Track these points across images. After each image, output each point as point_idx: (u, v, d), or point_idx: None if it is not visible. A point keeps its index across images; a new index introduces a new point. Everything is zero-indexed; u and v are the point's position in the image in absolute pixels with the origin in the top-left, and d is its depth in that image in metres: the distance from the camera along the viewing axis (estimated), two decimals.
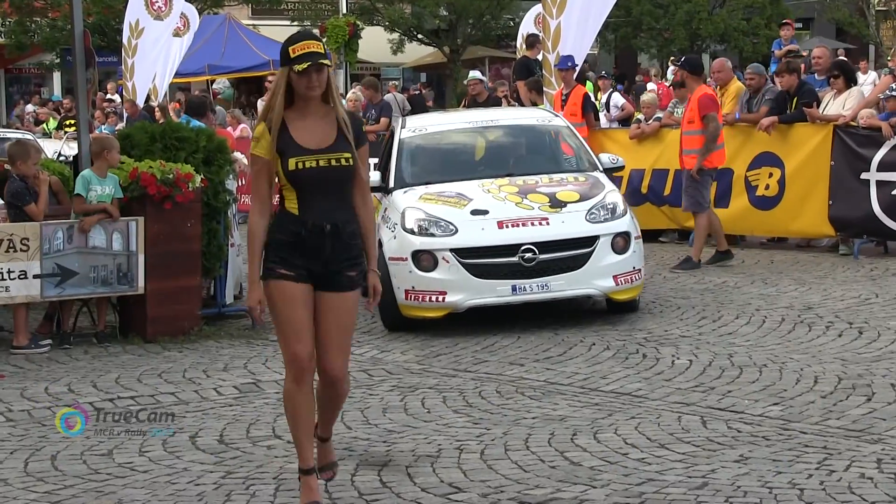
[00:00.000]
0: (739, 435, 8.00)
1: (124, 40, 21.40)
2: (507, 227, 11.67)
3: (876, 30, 46.06)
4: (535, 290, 11.53)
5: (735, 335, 11.19)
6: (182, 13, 21.37)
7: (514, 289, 11.51)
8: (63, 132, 25.15)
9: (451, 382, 9.72)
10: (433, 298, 11.55)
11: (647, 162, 17.50)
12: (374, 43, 41.98)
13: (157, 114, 21.81)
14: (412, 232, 11.75)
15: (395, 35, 44.36)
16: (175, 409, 9.31)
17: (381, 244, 11.41)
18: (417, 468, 7.58)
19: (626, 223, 12.00)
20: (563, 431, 8.23)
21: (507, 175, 12.85)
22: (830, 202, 15.70)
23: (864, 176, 15.39)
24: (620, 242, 11.82)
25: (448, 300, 11.52)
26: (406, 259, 11.61)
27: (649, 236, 17.45)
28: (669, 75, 27.85)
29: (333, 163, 6.75)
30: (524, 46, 22.22)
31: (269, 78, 28.69)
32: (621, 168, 13.74)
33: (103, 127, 24.47)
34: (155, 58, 20.75)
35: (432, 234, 11.69)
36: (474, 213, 11.86)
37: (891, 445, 7.72)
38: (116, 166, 11.71)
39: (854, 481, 7.05)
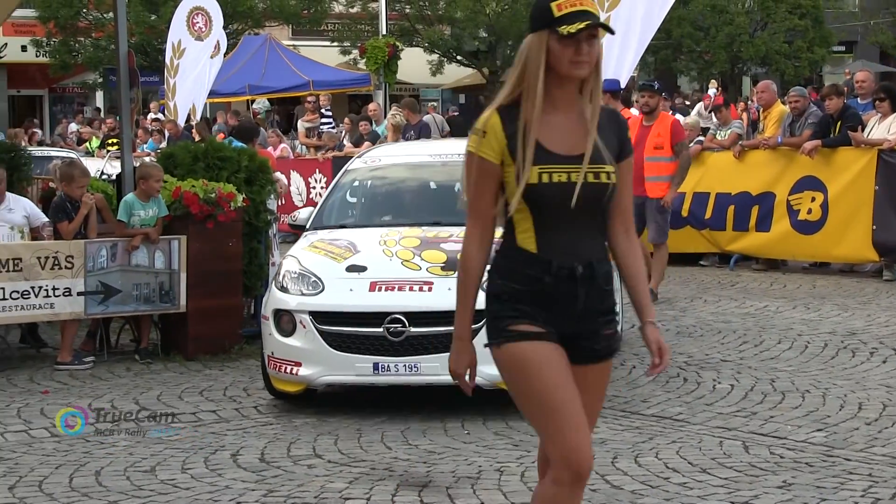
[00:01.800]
0: (782, 461, 7.96)
1: (167, 60, 21.48)
2: (379, 289, 9.59)
3: None
4: (401, 371, 9.34)
5: (777, 360, 11.16)
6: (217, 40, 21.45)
7: (376, 367, 9.34)
8: (105, 151, 25.30)
9: (491, 404, 9.74)
10: (288, 370, 9.58)
11: (687, 185, 17.43)
12: (414, 64, 42.03)
13: (194, 133, 21.91)
14: (280, 286, 9.86)
15: (435, 56, 44.43)
16: (216, 426, 9.37)
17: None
18: (458, 489, 7.57)
19: None
20: (604, 455, 8.21)
21: (432, 224, 10.64)
22: (874, 227, 15.66)
23: None
24: None
25: (301, 374, 9.50)
26: (268, 318, 9.77)
27: (690, 260, 17.49)
28: (711, 94, 27.76)
29: (591, 178, 4.91)
30: None
31: (309, 98, 28.79)
32: None
33: (145, 146, 24.64)
34: (196, 77, 20.84)
35: (298, 292, 9.73)
36: (350, 269, 9.85)
37: None
38: (155, 195, 11.80)
39: None
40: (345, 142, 24.02)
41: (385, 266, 9.86)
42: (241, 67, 31.95)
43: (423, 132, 22.37)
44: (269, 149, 22.19)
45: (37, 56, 43.02)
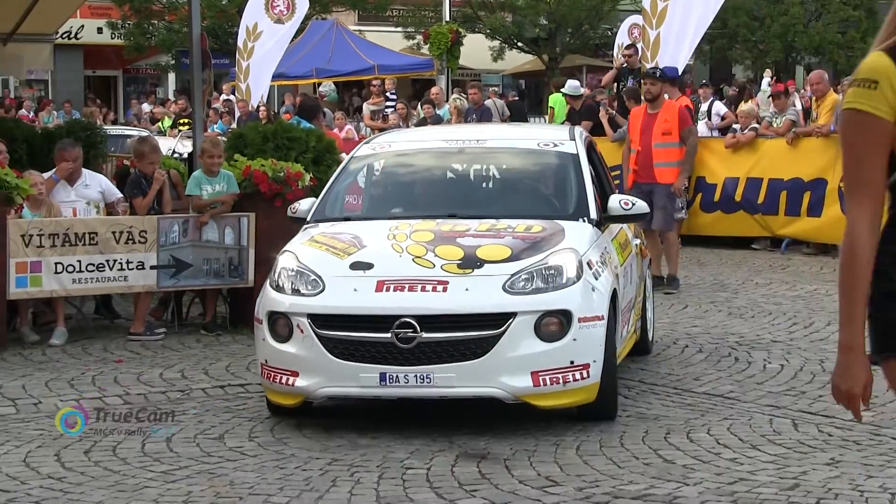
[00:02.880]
0: (830, 438, 7.96)
1: (239, 43, 21.58)
2: (387, 289, 8.11)
3: None
4: (411, 381, 7.88)
5: (826, 341, 11.11)
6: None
7: (383, 378, 7.89)
8: (177, 130, 25.45)
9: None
10: (283, 380, 8.20)
11: (741, 170, 17.45)
12: (476, 50, 42.03)
13: (262, 113, 21.99)
14: (275, 286, 8.44)
15: (496, 42, 44.35)
16: None
17: None
18: (515, 461, 7.60)
19: (567, 297, 8.06)
20: (657, 430, 8.22)
21: (447, 216, 9.22)
22: None
23: None
24: (551, 325, 7.95)
25: (298, 384, 8.12)
26: (262, 322, 8.39)
27: (742, 243, 17.43)
28: (765, 86, 27.60)
29: None
30: (622, 55, 22.11)
31: (374, 82, 28.83)
32: (639, 216, 9.77)
33: (214, 126, 24.75)
34: (273, 60, 20.94)
35: (296, 291, 8.30)
36: (355, 266, 8.37)
37: None
38: (215, 170, 11.92)
39: None
40: (406, 124, 24.06)
41: (394, 263, 8.39)
42: (308, 51, 31.97)
43: (484, 116, 22.37)
44: (336, 130, 22.24)
45: (112, 38, 43.15)
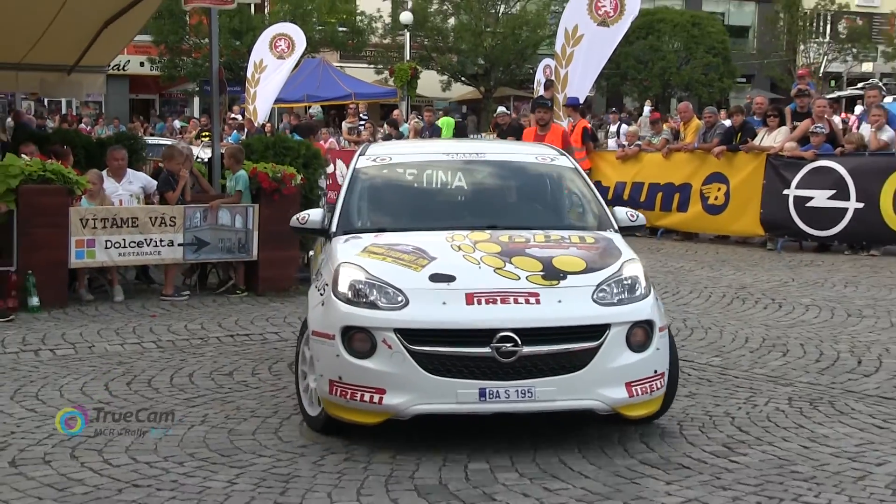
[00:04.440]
0: (689, 378, 8.01)
1: (248, 74, 21.53)
2: (478, 302, 6.21)
3: None
4: (512, 396, 6.04)
5: (688, 305, 11.20)
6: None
7: (482, 394, 6.01)
8: (200, 141, 25.32)
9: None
10: (366, 398, 6.14)
11: (628, 176, 17.62)
12: (429, 82, 42.05)
13: (267, 127, 21.98)
14: (346, 299, 6.35)
15: (445, 77, 44.40)
16: (278, 344, 9.42)
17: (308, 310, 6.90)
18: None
19: (648, 308, 6.43)
20: None
21: (489, 227, 7.20)
22: (762, 210, 15.71)
23: (785, 192, 15.39)
24: (639, 336, 6.31)
25: (387, 402, 6.09)
26: (333, 337, 6.28)
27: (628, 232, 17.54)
28: (646, 113, 27.74)
29: None
30: (542, 88, 22.22)
31: (351, 105, 28.85)
32: (641, 227, 8.02)
33: (229, 137, 24.65)
34: (275, 87, 20.97)
35: (373, 305, 6.26)
36: (435, 278, 6.39)
37: (798, 388, 7.77)
38: (233, 170, 12.04)
39: (771, 413, 7.10)
40: (374, 139, 24.20)
41: (475, 275, 6.41)
42: (301, 81, 31.84)
43: (434, 133, 22.45)
44: (321, 142, 22.21)
45: (151, 70, 42.99)
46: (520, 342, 6.01)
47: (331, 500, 5.43)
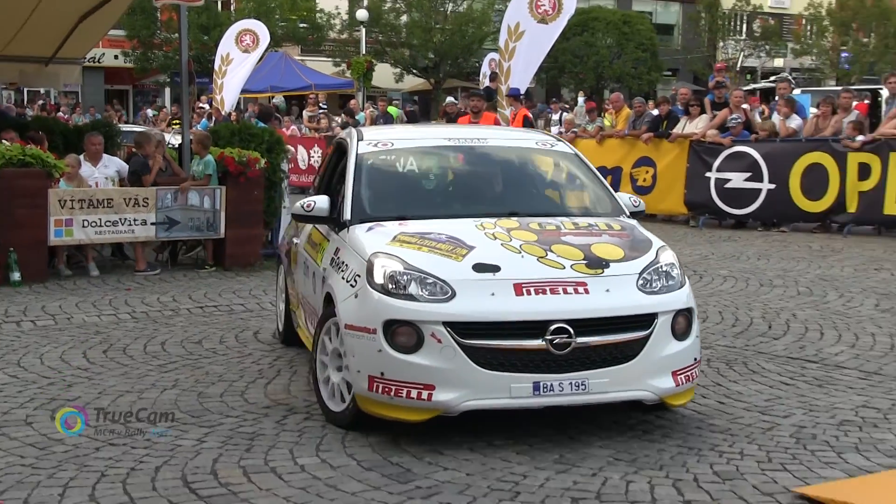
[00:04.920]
0: None
1: (216, 67, 21.32)
2: (527, 293, 5.48)
3: None
4: (566, 390, 5.39)
5: None
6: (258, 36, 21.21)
7: (536, 387, 5.35)
8: (171, 128, 25.07)
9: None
10: (413, 394, 5.39)
11: None
12: (384, 74, 41.80)
13: (233, 116, 21.77)
14: (385, 290, 5.54)
15: (398, 69, 44.22)
16: (244, 314, 9.37)
17: (329, 301, 6.03)
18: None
19: (686, 296, 5.85)
20: None
21: (510, 214, 6.38)
22: (685, 191, 15.88)
23: (707, 174, 15.55)
24: (682, 324, 5.73)
25: (437, 399, 5.37)
26: (374, 331, 5.47)
27: None
28: (581, 103, 27.85)
29: None
30: (487, 80, 22.20)
31: (311, 96, 28.64)
32: (642, 212, 6.90)
33: (198, 125, 24.42)
34: (241, 79, 20.81)
35: (415, 297, 5.48)
36: (479, 268, 5.60)
37: (716, 350, 7.86)
38: (201, 155, 11.89)
39: None
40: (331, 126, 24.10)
41: (520, 265, 5.66)
42: (265, 73, 31.52)
43: (387, 120, 22.37)
44: (283, 129, 22.05)
45: (125, 62, 42.41)
46: (573, 333, 5.36)
47: (292, 456, 5.43)
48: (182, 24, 12.68)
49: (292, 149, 18.52)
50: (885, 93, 16.95)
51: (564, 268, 5.65)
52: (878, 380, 7.02)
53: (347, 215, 6.39)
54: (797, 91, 22.46)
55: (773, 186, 14.93)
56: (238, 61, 20.83)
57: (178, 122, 23.71)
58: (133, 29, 39.58)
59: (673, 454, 5.47)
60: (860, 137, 14.38)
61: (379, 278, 5.59)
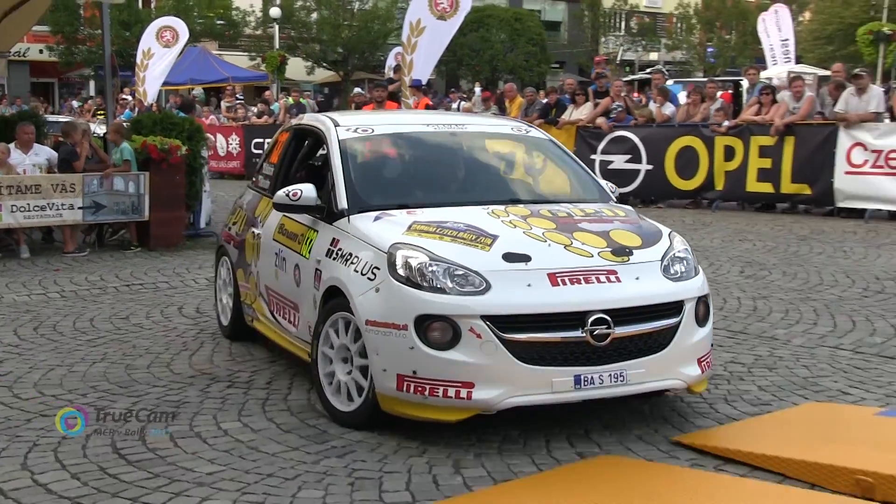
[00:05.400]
0: None
1: (137, 61, 20.85)
2: (563, 283, 4.80)
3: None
4: (606, 382, 4.76)
5: None
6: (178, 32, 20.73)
7: (577, 381, 4.71)
8: (96, 118, 24.39)
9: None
10: (451, 393, 4.67)
11: None
12: (296, 67, 41.25)
13: (154, 107, 21.30)
14: (414, 283, 4.78)
15: (309, 63, 43.78)
16: (168, 291, 9.18)
17: (333, 294, 5.21)
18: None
19: (702, 282, 5.27)
20: None
21: (511, 201, 5.69)
22: None
23: (592, 157, 15.72)
24: (702, 310, 5.15)
25: (477, 397, 4.66)
26: (403, 327, 4.73)
27: None
28: (478, 92, 27.89)
29: None
30: (392, 72, 22.08)
31: (228, 87, 28.17)
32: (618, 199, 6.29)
33: (122, 116, 23.80)
34: (161, 72, 20.38)
35: (446, 290, 4.73)
36: (509, 258, 4.89)
37: None
38: (117, 143, 11.55)
39: None
40: (246, 115, 23.78)
41: (549, 254, 4.96)
42: (185, 67, 30.81)
43: (300, 110, 22.10)
44: (203, 118, 21.63)
45: (50, 56, 41.06)
46: (612, 324, 4.72)
47: (216, 421, 5.33)
48: (104, 21, 12.33)
49: (212, 137, 18.16)
50: (745, 83, 17.36)
51: (593, 256, 4.98)
52: (742, 338, 7.19)
53: (343, 204, 5.53)
54: (670, 82, 22.84)
55: (650, 167, 15.19)
56: (159, 55, 20.44)
57: (102, 112, 23.11)
58: (57, 25, 38.40)
59: (566, 412, 5.52)
60: (726, 123, 14.71)
61: (403, 270, 4.80)
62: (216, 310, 7.52)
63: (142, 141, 11.58)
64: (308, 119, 6.87)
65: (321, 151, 6.53)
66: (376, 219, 5.35)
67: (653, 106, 16.09)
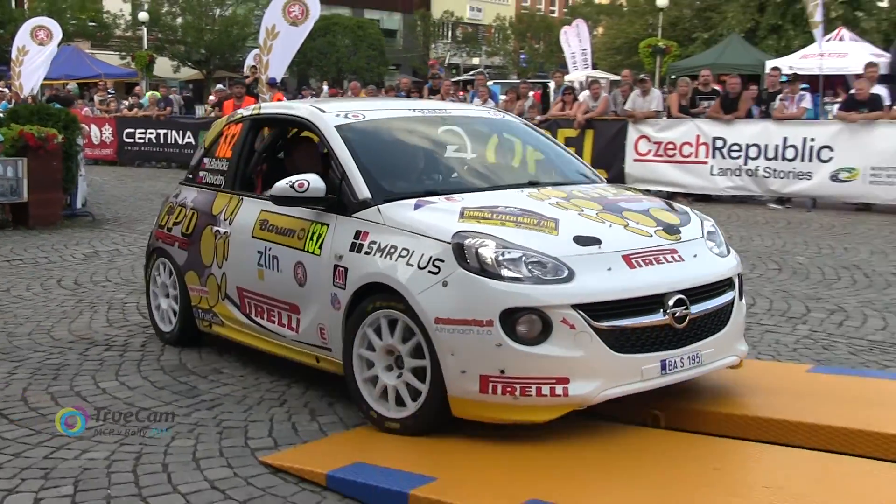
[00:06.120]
0: None
1: (13, 56, 19.54)
2: (638, 265, 3.91)
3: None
4: (686, 364, 3.93)
5: None
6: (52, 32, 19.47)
7: (663, 366, 3.85)
8: None
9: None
10: (545, 391, 3.66)
11: None
12: (163, 66, 39.57)
13: (29, 99, 20.06)
14: (493, 273, 3.70)
15: (175, 62, 42.24)
16: (48, 265, 8.64)
17: (368, 291, 4.11)
18: None
19: (737, 259, 4.48)
20: None
21: (528, 184, 4.73)
22: None
23: None
24: (741, 287, 4.41)
25: (574, 393, 3.68)
26: (489, 323, 3.64)
27: None
28: (326, 90, 27.51)
29: None
30: (250, 70, 21.48)
31: (101, 83, 26.83)
32: None
33: None
34: (35, 67, 19.21)
35: (524, 279, 3.69)
36: (581, 241, 3.92)
37: None
38: None
39: None
40: (118, 107, 22.68)
41: (615, 235, 4.07)
42: (60, 63, 28.94)
43: (167, 104, 21.26)
44: (78, 110, 20.46)
45: None
46: (688, 304, 3.93)
47: (95, 381, 5.06)
48: None
49: (87, 127, 17.24)
50: (552, 85, 17.81)
51: (651, 236, 4.14)
52: None
53: (365, 194, 4.32)
54: (490, 83, 23.17)
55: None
56: (34, 52, 19.30)
57: None
58: None
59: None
60: (538, 118, 15.04)
61: (475, 261, 3.77)
62: (150, 314, 5.94)
63: (19, 129, 10.85)
64: (273, 108, 5.59)
65: (318, 143, 5.13)
66: (417, 207, 4.18)
67: (477, 102, 16.27)
